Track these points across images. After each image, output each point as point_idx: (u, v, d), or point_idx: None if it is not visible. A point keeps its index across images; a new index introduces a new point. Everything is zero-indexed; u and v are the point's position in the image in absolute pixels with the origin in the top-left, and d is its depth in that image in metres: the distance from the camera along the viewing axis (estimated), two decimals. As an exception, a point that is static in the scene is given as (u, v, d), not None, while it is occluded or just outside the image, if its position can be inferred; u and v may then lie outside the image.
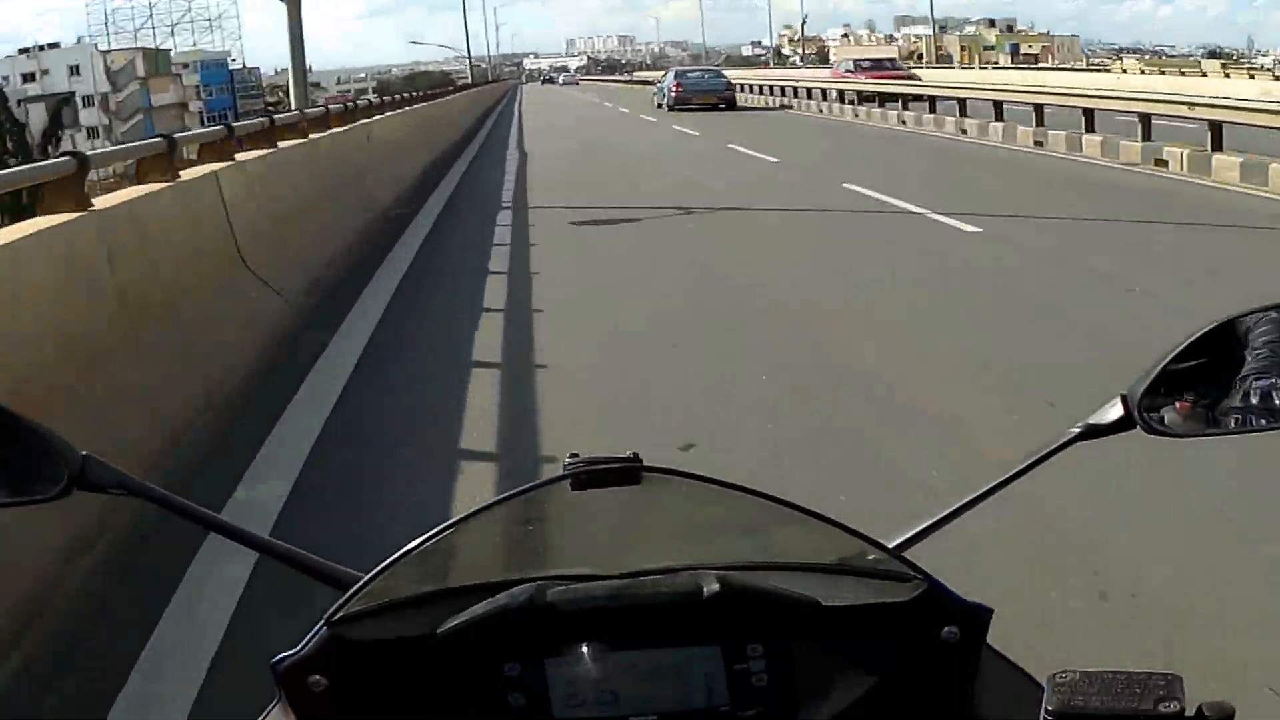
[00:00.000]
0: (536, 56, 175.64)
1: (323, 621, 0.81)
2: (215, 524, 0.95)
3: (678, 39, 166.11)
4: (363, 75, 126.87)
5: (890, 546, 0.87)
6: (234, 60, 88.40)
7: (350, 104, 12.44)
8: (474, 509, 0.84)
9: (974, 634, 0.82)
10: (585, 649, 0.81)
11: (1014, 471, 0.95)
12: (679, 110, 27.89)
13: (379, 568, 0.82)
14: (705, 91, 29.22)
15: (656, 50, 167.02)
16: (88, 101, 76.43)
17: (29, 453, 0.91)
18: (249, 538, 0.95)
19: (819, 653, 0.82)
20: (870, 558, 0.86)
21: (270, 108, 59.64)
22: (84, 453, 0.91)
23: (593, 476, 0.84)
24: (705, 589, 0.80)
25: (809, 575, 0.86)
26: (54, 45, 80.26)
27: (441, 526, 0.83)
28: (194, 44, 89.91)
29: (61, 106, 69.65)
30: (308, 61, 14.72)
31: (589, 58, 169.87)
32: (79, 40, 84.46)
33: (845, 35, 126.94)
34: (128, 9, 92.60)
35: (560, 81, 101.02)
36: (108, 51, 78.45)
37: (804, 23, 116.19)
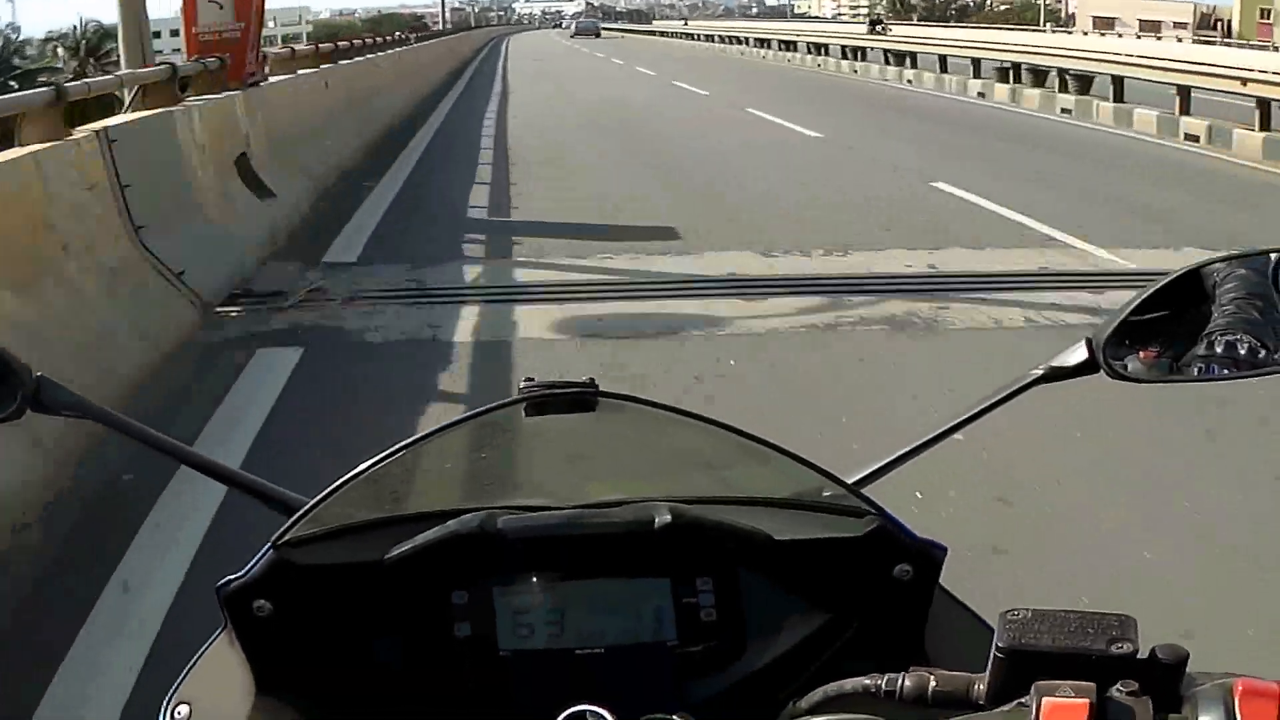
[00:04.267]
0: (526, 0, 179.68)
1: (268, 545, 0.88)
2: (172, 449, 1.04)
3: None
4: (298, 16, 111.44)
5: (849, 482, 0.95)
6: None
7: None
8: (425, 432, 0.92)
9: (927, 572, 0.90)
10: (534, 579, 0.88)
11: (974, 411, 1.05)
12: (575, 37, 70.42)
13: (326, 491, 0.90)
14: (588, 30, 75.03)
15: None
16: None
17: None
18: (204, 463, 1.05)
19: (770, 588, 0.90)
20: (827, 493, 0.94)
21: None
22: (38, 374, 0.98)
23: (548, 401, 0.93)
24: (657, 520, 0.87)
25: (763, 509, 0.93)
26: None
27: (392, 449, 0.91)
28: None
29: None
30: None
31: (587, 3, 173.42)
32: None
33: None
34: None
35: (566, 27, 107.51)
36: None
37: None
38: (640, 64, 33.03)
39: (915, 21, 52.25)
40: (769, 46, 36.77)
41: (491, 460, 1.03)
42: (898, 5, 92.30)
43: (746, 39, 40.44)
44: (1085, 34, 37.90)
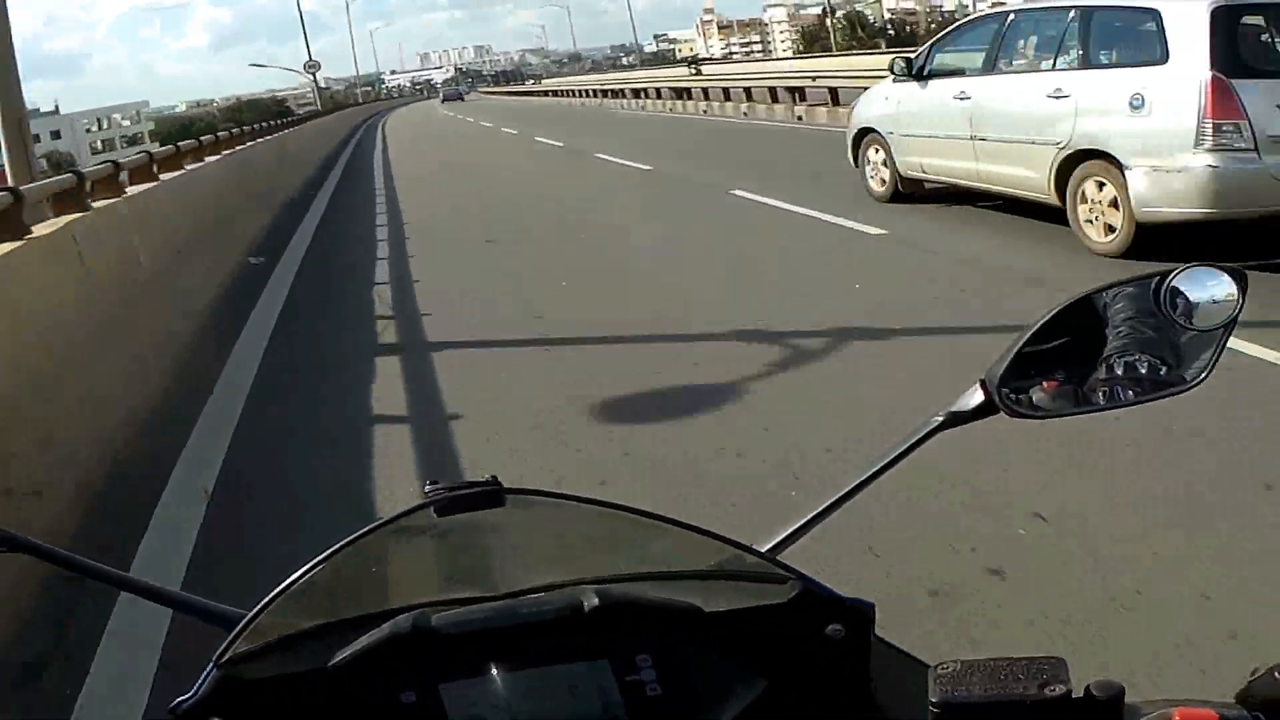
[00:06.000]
0: (393, 73, 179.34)
1: (212, 663, 0.91)
2: (106, 576, 1.09)
3: (533, 46, 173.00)
4: (135, 112, 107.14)
5: (762, 551, 0.99)
6: None
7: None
8: (343, 541, 0.95)
9: (860, 629, 0.94)
10: (477, 672, 0.91)
11: (879, 466, 1.08)
12: (445, 102, 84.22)
13: (259, 606, 0.93)
14: (453, 96, 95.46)
15: (516, 58, 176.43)
16: None
17: None
18: (141, 587, 1.10)
19: (710, 660, 0.93)
20: (746, 562, 0.97)
21: None
22: None
23: (454, 502, 0.96)
24: (585, 603, 0.90)
25: (687, 583, 0.96)
26: None
27: (315, 561, 0.94)
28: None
29: None
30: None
31: (457, 69, 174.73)
32: None
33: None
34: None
35: (443, 96, 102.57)
36: None
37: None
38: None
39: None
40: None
41: (413, 560, 1.07)
42: (858, 31, 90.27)
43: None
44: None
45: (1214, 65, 6.40)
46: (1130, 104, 6.86)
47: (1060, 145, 7.41)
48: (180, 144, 11.64)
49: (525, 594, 0.93)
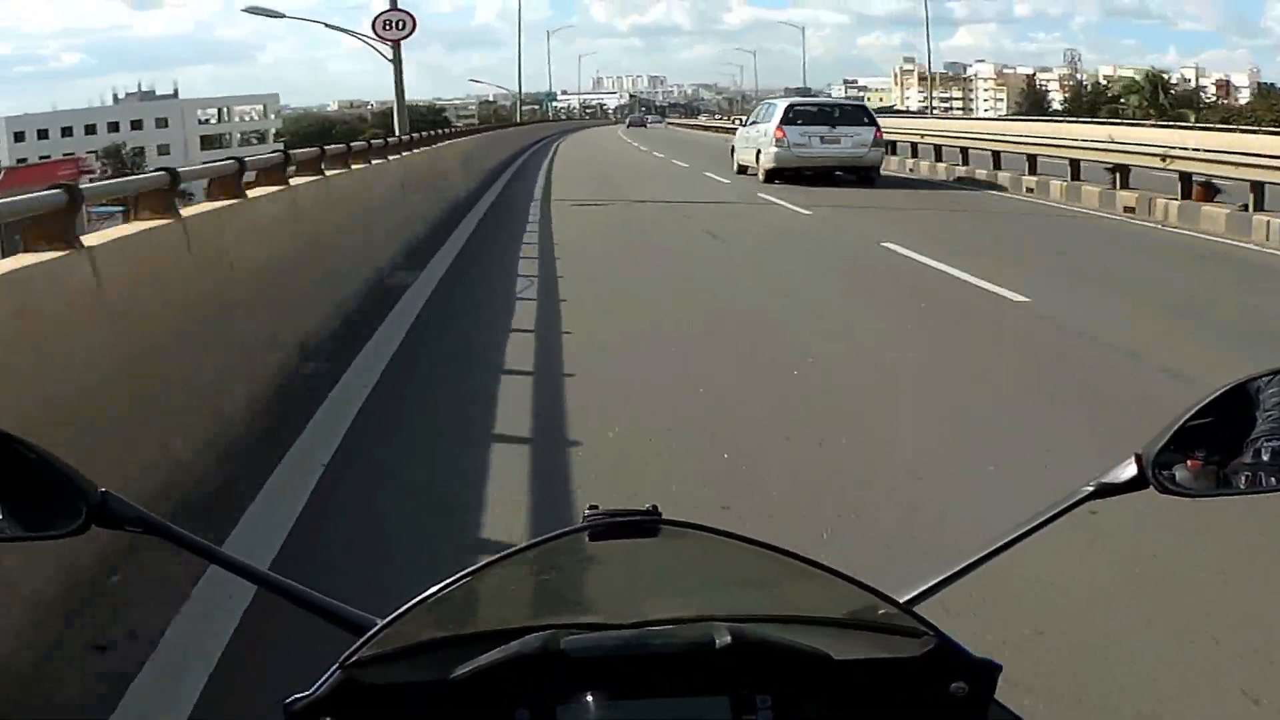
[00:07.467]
0: (564, 93, 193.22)
1: (337, 665, 0.95)
2: (229, 562, 1.13)
3: (705, 81, 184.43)
4: (262, 106, 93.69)
5: (901, 601, 1.02)
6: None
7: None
8: (491, 558, 1.01)
9: (983, 689, 0.97)
10: (596, 697, 0.94)
11: (1026, 529, 1.13)
12: (629, 129, 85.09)
13: (395, 613, 0.98)
14: (637, 124, 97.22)
15: (690, 92, 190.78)
16: None
17: (48, 487, 1.08)
18: (262, 577, 1.13)
19: (828, 706, 0.96)
20: (881, 612, 1.01)
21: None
22: (102, 489, 1.07)
23: (611, 528, 1.01)
24: (717, 640, 0.93)
25: (820, 629, 1.00)
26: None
27: (459, 574, 1.00)
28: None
29: None
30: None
31: (631, 96, 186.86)
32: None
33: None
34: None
35: (647, 124, 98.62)
36: None
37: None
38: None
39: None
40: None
41: (555, 582, 1.13)
42: (1159, 97, 67.10)
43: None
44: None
45: (781, 121, 22.02)
46: (764, 134, 22.55)
47: (756, 148, 22.97)
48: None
49: (658, 624, 0.97)
